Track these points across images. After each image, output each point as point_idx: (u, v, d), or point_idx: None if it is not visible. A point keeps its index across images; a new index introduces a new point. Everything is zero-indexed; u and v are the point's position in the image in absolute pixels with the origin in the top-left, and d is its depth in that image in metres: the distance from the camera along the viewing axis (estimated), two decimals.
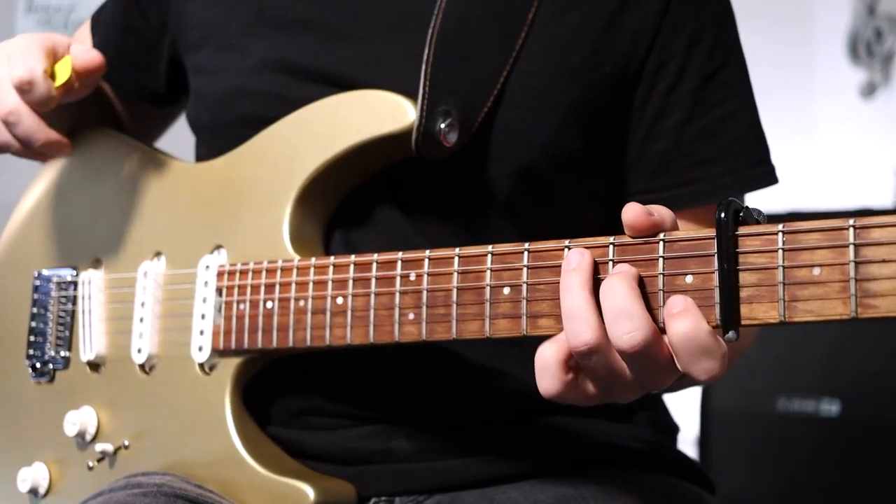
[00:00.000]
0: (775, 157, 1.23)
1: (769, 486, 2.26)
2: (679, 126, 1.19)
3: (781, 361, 2.24)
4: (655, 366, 0.87)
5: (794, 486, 2.26)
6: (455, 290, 0.98)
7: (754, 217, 0.84)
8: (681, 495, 1.19)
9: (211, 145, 1.29)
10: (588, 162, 1.20)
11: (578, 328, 0.87)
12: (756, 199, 1.22)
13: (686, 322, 0.84)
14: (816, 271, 0.78)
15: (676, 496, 1.18)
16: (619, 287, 0.86)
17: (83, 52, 1.21)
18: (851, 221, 0.76)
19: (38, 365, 1.34)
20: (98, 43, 1.46)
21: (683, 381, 0.95)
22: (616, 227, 1.24)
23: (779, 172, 1.23)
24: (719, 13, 1.23)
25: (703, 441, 2.36)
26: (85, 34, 1.50)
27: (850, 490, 2.20)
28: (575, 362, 0.90)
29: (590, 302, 0.87)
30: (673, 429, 1.29)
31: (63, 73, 1.21)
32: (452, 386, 1.18)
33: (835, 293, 0.77)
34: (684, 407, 1.13)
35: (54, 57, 1.22)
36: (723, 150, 1.20)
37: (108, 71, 1.44)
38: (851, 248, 0.77)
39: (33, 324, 1.35)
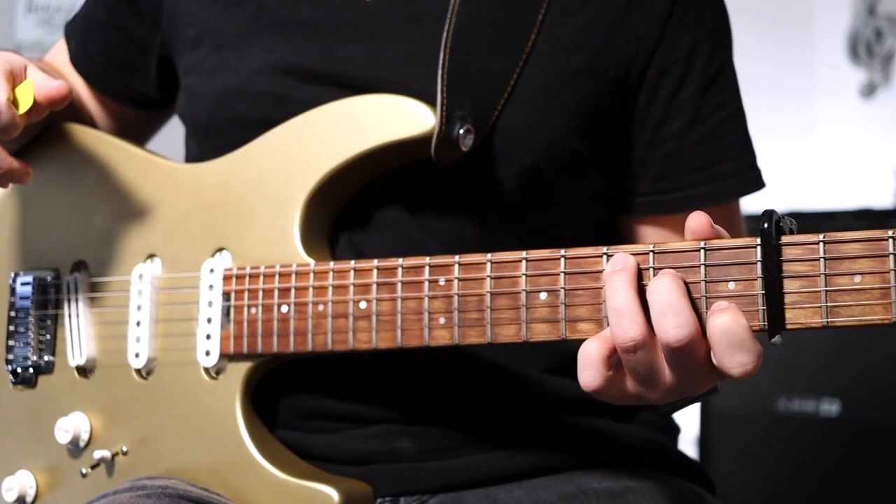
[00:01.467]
0: (775, 157, 1.32)
1: (769, 486, 2.34)
2: (682, 130, 1.27)
3: (781, 361, 2.32)
4: (694, 365, 0.94)
5: (794, 486, 2.34)
6: (489, 295, 1.04)
7: (789, 227, 0.93)
8: (681, 495, 1.26)
9: (206, 145, 1.32)
10: (590, 164, 1.27)
11: (625, 325, 0.95)
12: (757, 200, 1.31)
13: (726, 315, 0.92)
14: (857, 279, 0.87)
15: (677, 496, 1.25)
16: (667, 284, 0.94)
17: (45, 82, 1.21)
18: (891, 233, 0.86)
19: (18, 370, 1.35)
20: (77, 47, 1.47)
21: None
22: (615, 228, 1.34)
23: (779, 172, 1.32)
24: (716, 18, 1.30)
25: (703, 441, 2.44)
26: (59, 49, 1.51)
27: (849, 490, 2.28)
28: (616, 360, 0.97)
29: (636, 300, 0.95)
30: (674, 429, 1.36)
31: (25, 99, 1.20)
32: (456, 385, 1.24)
33: (876, 299, 0.86)
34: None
35: (13, 81, 1.22)
36: (723, 154, 1.28)
37: (93, 72, 1.46)
38: (892, 257, 0.86)
39: (11, 328, 1.37)
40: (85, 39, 1.47)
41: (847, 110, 3.48)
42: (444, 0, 1.23)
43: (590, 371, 0.97)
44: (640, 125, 1.28)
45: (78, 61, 1.48)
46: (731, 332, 0.92)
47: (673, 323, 0.93)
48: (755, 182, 1.31)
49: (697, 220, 0.97)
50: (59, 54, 1.51)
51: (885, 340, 2.26)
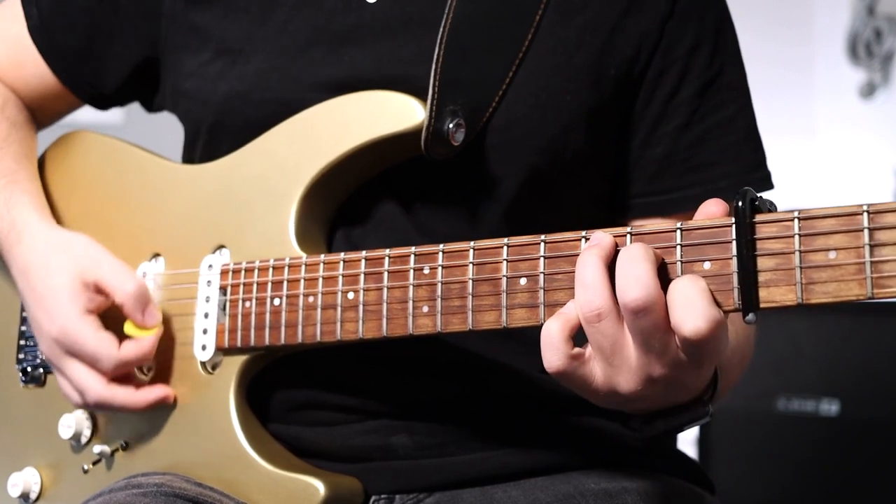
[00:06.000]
0: (775, 157, 1.29)
1: (769, 486, 2.30)
2: (677, 131, 1.25)
3: (781, 361, 2.30)
4: (656, 334, 0.92)
5: (794, 486, 2.31)
6: (471, 282, 1.03)
7: (767, 207, 0.90)
8: (681, 495, 1.23)
9: (210, 147, 1.31)
10: (591, 163, 1.25)
11: (589, 296, 0.93)
12: None
13: (685, 278, 0.91)
14: (832, 255, 0.84)
15: (676, 496, 1.22)
16: (633, 249, 0.93)
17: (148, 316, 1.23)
18: (865, 206, 0.83)
19: (28, 369, 1.36)
20: (39, 19, 1.39)
21: (685, 414, 1.01)
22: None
23: (779, 172, 1.29)
24: (718, 20, 1.29)
25: (703, 441, 2.41)
26: (10, 11, 1.42)
27: (849, 490, 2.25)
28: (581, 337, 0.95)
29: (604, 274, 0.94)
30: None
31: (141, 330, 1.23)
32: (454, 382, 1.22)
33: (850, 275, 0.83)
34: None
35: (93, 290, 1.23)
36: (719, 155, 1.26)
37: (52, 51, 1.39)
38: (866, 231, 0.83)
39: (23, 328, 1.37)
40: (52, 15, 1.39)
41: (847, 110, 3.45)
42: (445, 1, 1.22)
43: (551, 350, 0.95)
44: (637, 125, 1.26)
45: (38, 35, 1.40)
46: (684, 290, 0.91)
47: (632, 283, 0.91)
48: (756, 184, 1.28)
49: (718, 208, 0.95)
50: (8, 16, 1.42)
51: (884, 340, 2.24)
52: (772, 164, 1.29)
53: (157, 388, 1.24)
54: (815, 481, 2.29)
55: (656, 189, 1.26)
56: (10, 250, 1.29)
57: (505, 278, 1.01)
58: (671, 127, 1.25)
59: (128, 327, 1.23)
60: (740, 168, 1.27)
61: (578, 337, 0.96)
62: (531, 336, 1.05)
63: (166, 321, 1.26)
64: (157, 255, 1.30)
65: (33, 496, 1.33)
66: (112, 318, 1.24)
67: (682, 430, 1.06)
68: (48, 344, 1.24)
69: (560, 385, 1.23)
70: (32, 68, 1.41)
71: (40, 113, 1.45)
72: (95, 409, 1.26)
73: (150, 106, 1.44)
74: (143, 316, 1.22)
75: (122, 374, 1.23)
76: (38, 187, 1.36)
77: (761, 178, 1.29)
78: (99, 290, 1.24)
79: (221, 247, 1.25)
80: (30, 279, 1.26)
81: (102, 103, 1.44)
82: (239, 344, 1.19)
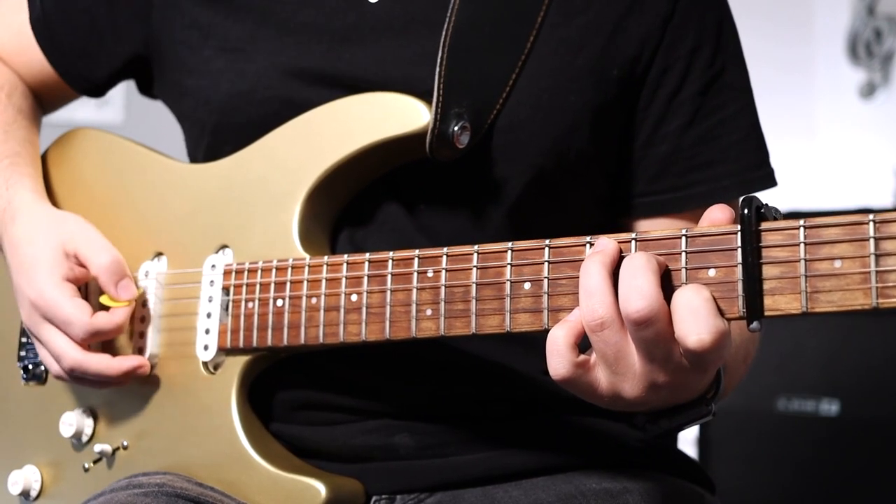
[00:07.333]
0: (775, 157, 1.30)
1: (769, 486, 2.31)
2: (680, 130, 1.25)
3: (781, 361, 2.31)
4: (659, 344, 0.92)
5: (794, 486, 2.31)
6: (474, 286, 1.03)
7: (772, 214, 0.91)
8: (681, 494, 1.24)
9: (213, 146, 1.31)
10: (594, 163, 1.25)
11: (593, 304, 0.93)
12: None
13: (689, 288, 0.91)
14: (837, 264, 0.84)
15: (677, 495, 1.23)
16: (637, 259, 0.93)
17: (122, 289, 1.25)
18: (871, 216, 0.83)
19: (30, 367, 1.36)
20: (41, 13, 1.42)
21: (688, 412, 1.02)
22: (615, 229, 1.31)
23: (778, 172, 1.30)
24: (719, 20, 1.29)
25: (703, 441, 2.42)
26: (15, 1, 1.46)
27: (849, 489, 2.27)
28: (585, 345, 0.95)
29: (607, 282, 0.94)
30: None
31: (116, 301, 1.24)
32: (456, 383, 1.22)
33: (855, 284, 0.83)
34: None
35: (73, 262, 1.25)
36: (722, 154, 1.26)
37: (51, 45, 1.42)
38: (871, 241, 0.83)
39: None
40: (54, 12, 1.42)
41: (846, 110, 3.46)
42: (447, 2, 1.22)
43: (557, 358, 0.95)
44: (639, 124, 1.27)
45: (38, 29, 1.43)
46: (689, 301, 0.90)
47: (635, 294, 0.91)
48: (759, 182, 1.28)
49: (723, 214, 0.95)
50: (15, 5, 1.45)
51: (884, 340, 2.25)
52: (772, 163, 1.29)
53: (133, 357, 1.24)
54: (815, 481, 2.30)
55: (659, 188, 1.27)
56: (5, 228, 1.31)
57: (509, 282, 1.01)
58: (674, 126, 1.26)
59: (103, 298, 1.24)
60: (743, 166, 1.28)
61: (584, 343, 0.96)
62: (533, 338, 1.05)
63: (170, 320, 1.26)
64: (159, 254, 1.30)
65: (34, 494, 1.34)
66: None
67: (685, 428, 1.07)
68: (27, 310, 1.26)
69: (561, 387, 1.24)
70: (35, 56, 1.44)
71: (43, 99, 1.49)
72: (72, 378, 1.25)
73: (144, 90, 1.46)
74: (115, 289, 1.24)
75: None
76: (38, 171, 1.39)
77: (764, 177, 1.29)
78: (79, 262, 1.26)
79: (224, 247, 1.25)
80: (16, 250, 1.28)
81: (96, 93, 1.48)
82: (241, 344, 1.19)
